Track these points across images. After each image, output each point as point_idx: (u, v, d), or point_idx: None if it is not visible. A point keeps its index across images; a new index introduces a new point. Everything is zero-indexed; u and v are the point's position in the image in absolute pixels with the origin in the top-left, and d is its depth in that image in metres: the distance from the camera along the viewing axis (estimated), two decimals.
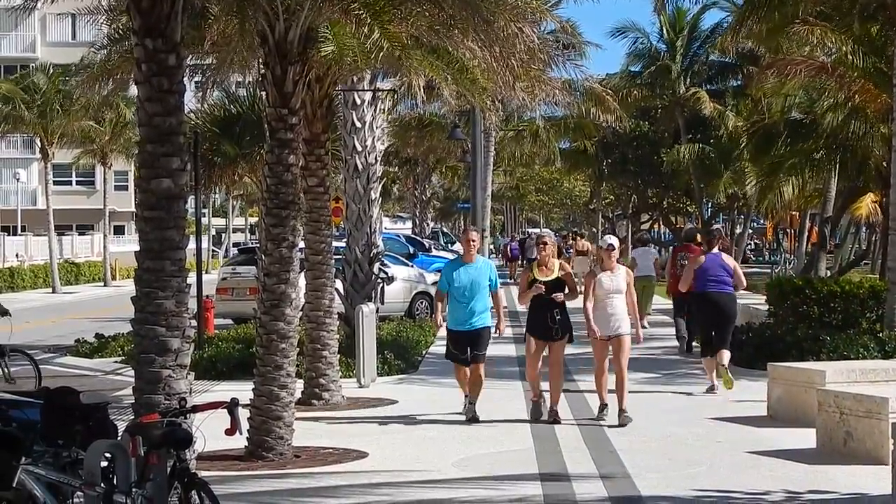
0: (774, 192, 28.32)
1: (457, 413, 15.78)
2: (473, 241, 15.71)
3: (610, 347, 15.28)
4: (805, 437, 13.53)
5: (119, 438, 8.79)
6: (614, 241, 15.66)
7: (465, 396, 15.71)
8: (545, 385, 15.41)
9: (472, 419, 15.31)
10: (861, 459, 12.46)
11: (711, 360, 17.80)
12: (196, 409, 8.81)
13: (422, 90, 16.12)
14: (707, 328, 18.07)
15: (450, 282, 15.53)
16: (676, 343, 23.37)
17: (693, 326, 21.51)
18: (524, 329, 15.85)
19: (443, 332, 15.91)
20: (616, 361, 15.19)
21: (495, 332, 15.72)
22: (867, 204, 38.35)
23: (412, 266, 35.00)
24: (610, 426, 14.80)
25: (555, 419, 15.12)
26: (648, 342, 22.39)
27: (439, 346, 21.54)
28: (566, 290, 15.23)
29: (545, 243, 15.51)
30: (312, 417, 15.82)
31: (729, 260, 18.25)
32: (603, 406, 15.32)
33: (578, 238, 49.43)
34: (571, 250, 45.49)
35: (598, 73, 49.74)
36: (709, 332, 18.00)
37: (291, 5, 13.48)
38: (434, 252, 49.58)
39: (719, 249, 18.05)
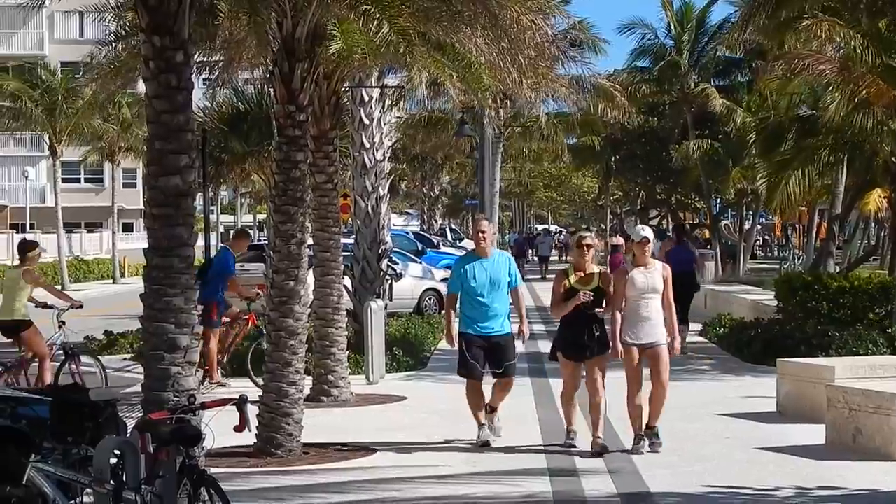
0: (782, 191, 28.28)
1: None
2: (484, 231, 13.59)
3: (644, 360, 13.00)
4: (814, 433, 13.52)
5: (128, 435, 8.80)
6: (649, 231, 13.27)
7: (480, 426, 13.56)
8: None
9: (492, 438, 13.55)
10: (870, 455, 12.45)
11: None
12: (205, 405, 8.80)
13: (424, 87, 16.00)
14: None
15: (463, 281, 13.47)
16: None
17: None
18: (551, 344, 13.58)
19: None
20: (654, 378, 12.90)
21: (518, 337, 13.70)
22: (874, 199, 38.29)
23: (420, 262, 35.05)
24: (624, 451, 13.39)
25: (601, 450, 12.79)
26: None
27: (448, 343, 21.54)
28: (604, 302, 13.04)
29: (588, 246, 13.10)
30: (321, 414, 15.82)
31: (693, 248, 23.77)
32: (639, 438, 12.97)
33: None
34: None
35: (605, 69, 49.77)
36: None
37: (299, 2, 13.48)
38: (442, 248, 49.66)
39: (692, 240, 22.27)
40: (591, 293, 12.87)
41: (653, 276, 12.90)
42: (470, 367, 13.42)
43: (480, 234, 13.60)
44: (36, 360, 16.66)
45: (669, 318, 13.02)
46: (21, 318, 16.59)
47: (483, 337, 13.39)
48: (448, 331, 13.80)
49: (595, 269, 13.17)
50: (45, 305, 17.08)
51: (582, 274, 13.05)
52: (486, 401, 13.73)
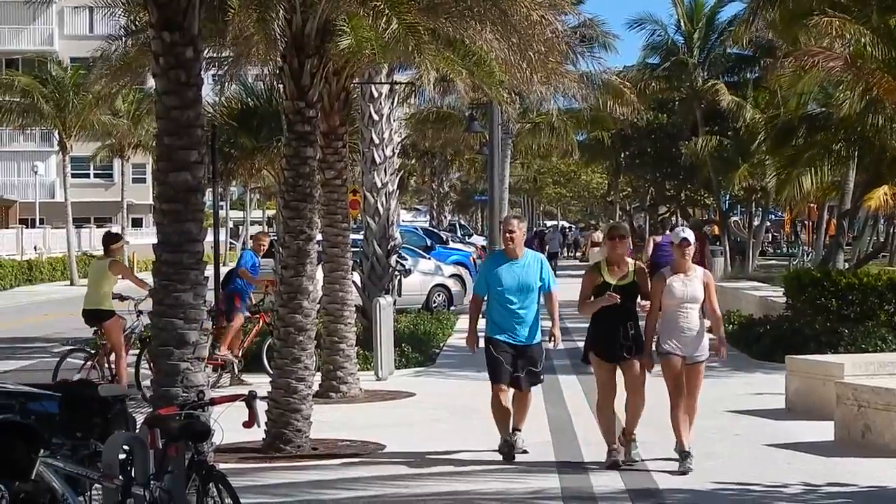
0: (792, 185, 28.25)
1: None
2: (512, 231, 12.39)
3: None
4: (823, 430, 13.50)
5: (137, 431, 8.81)
6: (689, 233, 12.00)
7: (506, 436, 12.66)
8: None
9: (515, 452, 12.60)
10: (880, 452, 12.44)
11: None
12: (214, 401, 8.81)
13: (432, 85, 15.97)
14: None
15: (490, 283, 12.42)
16: None
17: None
18: (583, 345, 12.46)
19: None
20: (687, 395, 11.97)
21: (550, 342, 12.51)
22: (879, 196, 38.24)
23: (430, 258, 35.06)
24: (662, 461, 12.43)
25: (617, 462, 11.95)
26: None
27: (457, 339, 21.54)
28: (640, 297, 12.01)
29: (621, 237, 12.12)
30: (330, 410, 15.83)
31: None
32: (685, 455, 11.83)
33: (594, 230, 49.38)
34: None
35: (615, 65, 49.65)
36: None
37: None
38: (451, 244, 49.67)
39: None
40: (618, 296, 11.81)
41: (692, 284, 11.81)
42: (496, 363, 12.27)
43: (508, 235, 12.46)
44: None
45: (716, 327, 12.09)
46: (105, 308, 17.17)
47: (511, 345, 12.33)
48: (470, 334, 12.72)
49: (629, 262, 12.17)
50: (121, 298, 17.55)
51: (616, 268, 12.04)
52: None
